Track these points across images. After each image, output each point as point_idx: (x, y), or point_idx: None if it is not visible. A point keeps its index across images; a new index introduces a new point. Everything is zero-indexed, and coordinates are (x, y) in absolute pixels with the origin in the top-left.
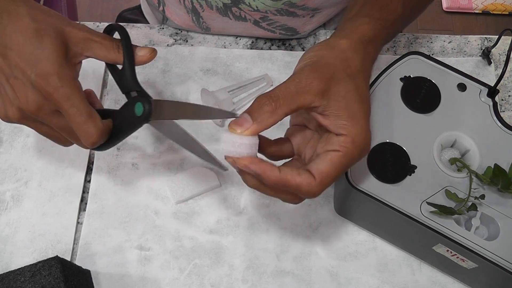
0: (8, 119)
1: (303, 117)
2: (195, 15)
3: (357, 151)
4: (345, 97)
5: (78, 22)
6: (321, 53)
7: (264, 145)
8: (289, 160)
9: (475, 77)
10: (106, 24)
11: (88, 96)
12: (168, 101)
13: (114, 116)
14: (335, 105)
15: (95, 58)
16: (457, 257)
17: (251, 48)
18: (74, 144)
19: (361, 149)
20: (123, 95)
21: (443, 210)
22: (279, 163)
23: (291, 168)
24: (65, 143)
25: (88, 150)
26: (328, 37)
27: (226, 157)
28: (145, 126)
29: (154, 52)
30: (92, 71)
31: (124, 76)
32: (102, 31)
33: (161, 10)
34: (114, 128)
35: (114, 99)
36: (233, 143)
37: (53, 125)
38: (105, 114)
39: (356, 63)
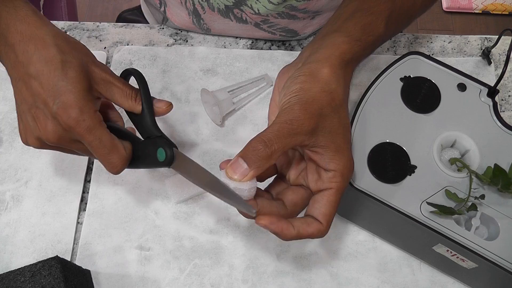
0: (28, 145)
1: None
2: (195, 17)
3: (346, 182)
4: (331, 131)
5: (78, 22)
6: (307, 86)
7: None
8: (274, 180)
9: (475, 77)
10: (106, 24)
11: (106, 108)
12: (190, 160)
13: (135, 144)
14: (322, 141)
15: (112, 102)
16: (457, 257)
17: (251, 48)
18: None
19: (348, 178)
20: None
21: (443, 210)
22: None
23: (301, 221)
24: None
25: None
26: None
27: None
28: None
29: (170, 106)
30: None
31: (144, 122)
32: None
33: (162, 10)
34: (134, 156)
35: None
36: (233, 189)
37: (75, 149)
38: (124, 134)
39: (339, 95)
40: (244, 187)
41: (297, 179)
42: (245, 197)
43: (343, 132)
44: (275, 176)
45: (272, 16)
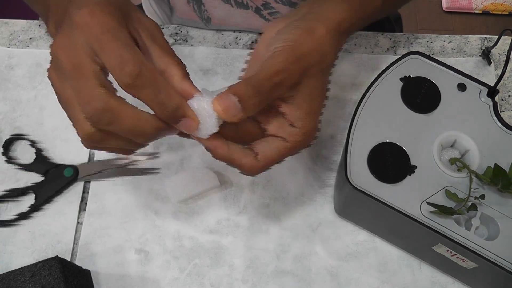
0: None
1: None
2: (196, 3)
3: (303, 145)
4: (311, 93)
5: None
6: (302, 40)
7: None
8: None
9: (475, 77)
10: None
11: None
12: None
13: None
14: (300, 98)
15: None
16: (457, 257)
17: (251, 48)
18: (72, 144)
19: (308, 143)
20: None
21: (443, 210)
22: None
23: (239, 148)
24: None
25: (88, 150)
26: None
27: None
28: None
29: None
30: None
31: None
32: None
33: (166, 0)
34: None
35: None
36: (205, 123)
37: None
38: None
39: (330, 58)
40: (215, 123)
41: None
42: (208, 133)
43: (322, 98)
44: None
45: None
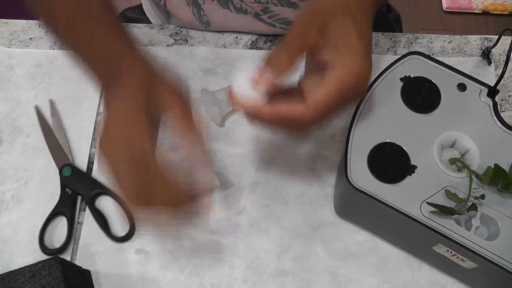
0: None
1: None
2: (196, 7)
3: (353, 79)
4: (343, 31)
5: None
6: (315, 2)
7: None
8: None
9: (475, 77)
10: None
11: None
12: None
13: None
14: (333, 40)
15: None
16: (457, 257)
17: (251, 48)
18: (72, 145)
19: (358, 77)
20: None
21: (443, 210)
22: None
23: (283, 102)
24: None
25: (88, 150)
26: None
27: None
28: None
29: None
30: None
31: None
32: None
33: (162, 4)
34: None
35: None
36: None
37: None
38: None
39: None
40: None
41: None
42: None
43: (358, 35)
44: None
45: (272, 4)
